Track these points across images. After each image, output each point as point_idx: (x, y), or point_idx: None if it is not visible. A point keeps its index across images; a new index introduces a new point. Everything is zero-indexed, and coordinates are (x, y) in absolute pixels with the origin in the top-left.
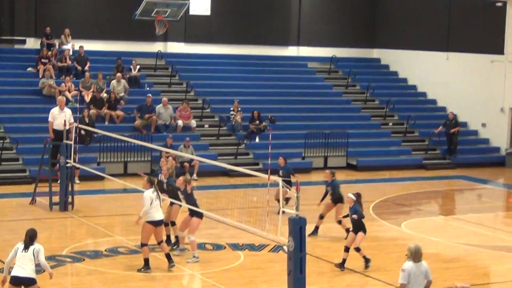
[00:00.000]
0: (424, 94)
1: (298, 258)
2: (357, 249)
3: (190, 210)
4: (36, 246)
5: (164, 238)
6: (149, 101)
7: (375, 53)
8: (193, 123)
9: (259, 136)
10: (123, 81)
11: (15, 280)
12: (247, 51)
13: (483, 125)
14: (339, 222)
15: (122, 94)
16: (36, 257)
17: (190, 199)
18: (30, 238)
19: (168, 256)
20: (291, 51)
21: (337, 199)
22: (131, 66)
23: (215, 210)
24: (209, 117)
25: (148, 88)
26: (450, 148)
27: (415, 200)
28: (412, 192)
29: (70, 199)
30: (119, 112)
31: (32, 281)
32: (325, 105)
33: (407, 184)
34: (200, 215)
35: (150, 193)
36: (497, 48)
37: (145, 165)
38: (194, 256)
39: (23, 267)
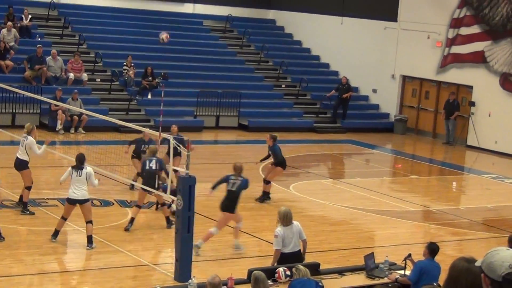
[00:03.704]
0: (317, 58)
1: (187, 217)
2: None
3: None
4: (88, 169)
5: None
6: (40, 52)
7: (271, 14)
8: (85, 76)
9: (152, 92)
10: (13, 30)
11: (71, 201)
12: (143, 6)
13: (374, 91)
14: (267, 182)
15: (12, 44)
16: (88, 179)
17: None
18: (80, 162)
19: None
20: (187, 8)
21: (278, 163)
22: (23, 15)
23: (104, 166)
24: (101, 71)
25: (39, 39)
26: (338, 112)
27: (304, 163)
28: (302, 155)
29: None
30: (9, 62)
31: (85, 201)
32: (219, 64)
33: (297, 146)
34: None
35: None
36: (391, 15)
37: (34, 117)
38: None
39: (77, 189)
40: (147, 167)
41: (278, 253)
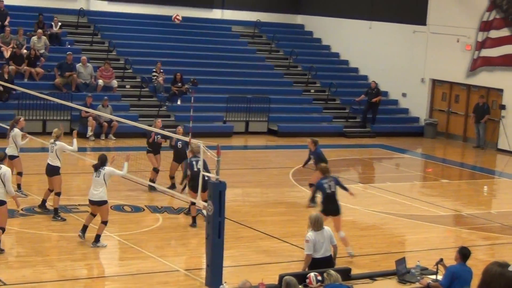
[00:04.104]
0: (346, 62)
1: (217, 222)
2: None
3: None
4: (106, 169)
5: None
6: (70, 59)
7: (299, 19)
8: (114, 83)
9: (181, 98)
10: (44, 37)
11: (90, 202)
12: (172, 12)
13: (404, 95)
14: (311, 185)
15: (42, 51)
16: (108, 179)
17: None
18: (101, 163)
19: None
20: (216, 14)
21: None
22: (53, 23)
23: (134, 172)
24: (131, 78)
25: (69, 46)
26: (367, 117)
27: (334, 168)
28: (332, 160)
29: None
30: (39, 69)
31: (102, 202)
32: (248, 70)
33: (327, 151)
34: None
35: None
36: (420, 18)
37: (65, 124)
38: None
39: (95, 191)
40: (195, 169)
41: (309, 258)
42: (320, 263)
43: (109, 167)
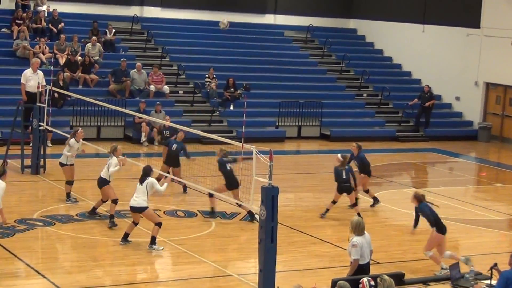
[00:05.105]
0: (399, 66)
1: (270, 227)
2: (367, 191)
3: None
4: (149, 180)
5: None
6: (124, 65)
7: (351, 23)
8: (166, 88)
9: (234, 103)
10: (98, 44)
11: (130, 209)
12: (224, 18)
13: (457, 98)
14: (367, 190)
15: (96, 58)
16: (150, 189)
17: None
18: (145, 174)
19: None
20: (268, 19)
21: (366, 171)
22: (107, 30)
23: (187, 177)
24: (184, 83)
25: (123, 53)
26: (420, 121)
27: (387, 172)
28: (385, 164)
29: (42, 163)
30: (93, 76)
31: (142, 209)
32: (301, 75)
33: (379, 155)
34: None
35: None
36: (473, 21)
37: (119, 130)
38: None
39: (137, 198)
40: (228, 169)
41: (357, 263)
42: (365, 270)
43: (153, 178)
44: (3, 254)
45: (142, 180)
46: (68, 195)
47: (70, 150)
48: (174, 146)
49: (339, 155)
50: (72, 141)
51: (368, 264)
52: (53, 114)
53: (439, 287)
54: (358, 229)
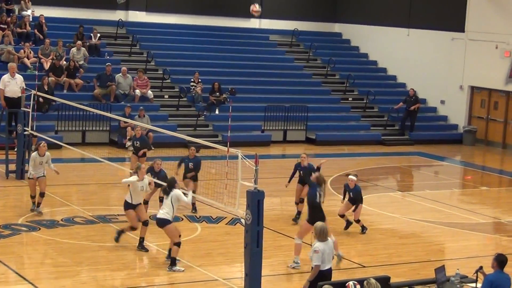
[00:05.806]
0: (384, 70)
1: (256, 231)
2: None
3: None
4: (174, 193)
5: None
6: (109, 70)
7: (336, 27)
8: (150, 93)
9: (219, 108)
10: (83, 49)
11: (156, 221)
12: (209, 22)
13: (442, 102)
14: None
15: (81, 62)
16: (175, 202)
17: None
18: (169, 186)
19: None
20: (253, 23)
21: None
22: (92, 34)
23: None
24: (169, 88)
25: (108, 57)
26: (406, 124)
27: (372, 176)
28: (370, 168)
29: (26, 168)
30: (78, 81)
31: (165, 221)
32: (286, 79)
33: (365, 159)
34: None
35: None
36: (458, 25)
37: (104, 134)
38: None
39: (162, 211)
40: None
41: (317, 269)
42: (327, 276)
43: (178, 190)
44: None
45: (167, 193)
46: (37, 204)
47: (33, 164)
48: (191, 165)
49: (352, 176)
50: (33, 154)
51: (330, 269)
52: (38, 119)
53: None
54: (322, 235)
